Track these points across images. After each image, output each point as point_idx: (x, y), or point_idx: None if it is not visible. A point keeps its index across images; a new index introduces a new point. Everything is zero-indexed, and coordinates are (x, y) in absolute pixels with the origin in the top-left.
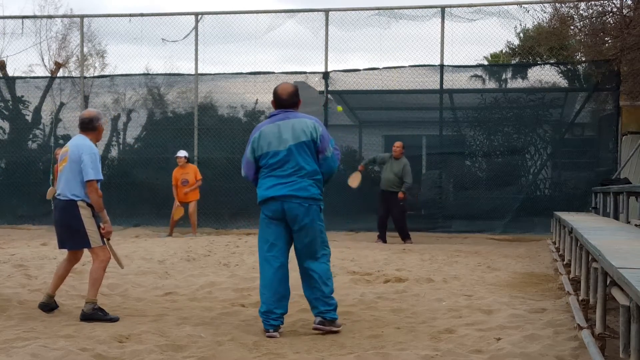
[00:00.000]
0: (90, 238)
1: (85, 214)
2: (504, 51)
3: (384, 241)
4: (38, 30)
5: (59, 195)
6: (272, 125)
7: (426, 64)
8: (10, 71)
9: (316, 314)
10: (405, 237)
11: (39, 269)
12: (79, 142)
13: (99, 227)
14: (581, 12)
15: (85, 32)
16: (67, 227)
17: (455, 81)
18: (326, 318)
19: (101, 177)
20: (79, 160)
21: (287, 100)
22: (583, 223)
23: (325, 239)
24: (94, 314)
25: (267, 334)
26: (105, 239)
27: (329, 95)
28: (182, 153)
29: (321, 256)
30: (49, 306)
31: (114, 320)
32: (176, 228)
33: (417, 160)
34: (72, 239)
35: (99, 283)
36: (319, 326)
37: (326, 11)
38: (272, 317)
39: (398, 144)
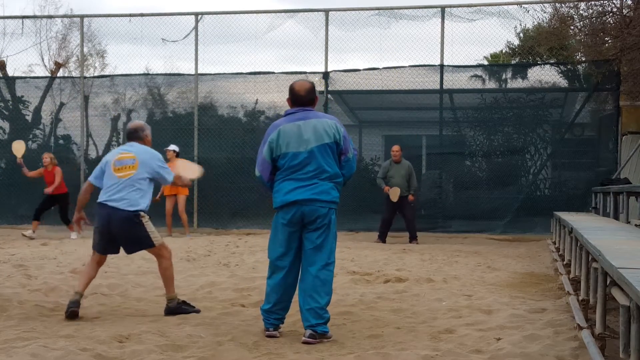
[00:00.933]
0: (154, 239)
1: (145, 220)
2: (504, 51)
3: (382, 241)
4: (38, 30)
5: (115, 203)
6: (292, 124)
7: (426, 64)
8: (10, 71)
9: (307, 327)
10: (414, 238)
11: (39, 269)
12: (145, 149)
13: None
14: (581, 12)
15: (85, 32)
16: (129, 236)
17: (455, 81)
18: (317, 331)
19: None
20: (152, 167)
21: (305, 97)
22: (583, 223)
23: (334, 248)
24: (179, 308)
25: (267, 332)
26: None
27: (329, 96)
28: (171, 147)
29: (329, 264)
30: (77, 304)
31: (197, 311)
32: (177, 228)
33: (417, 160)
34: (135, 244)
35: (173, 278)
36: (309, 339)
37: (326, 11)
38: (274, 316)
39: (396, 147)
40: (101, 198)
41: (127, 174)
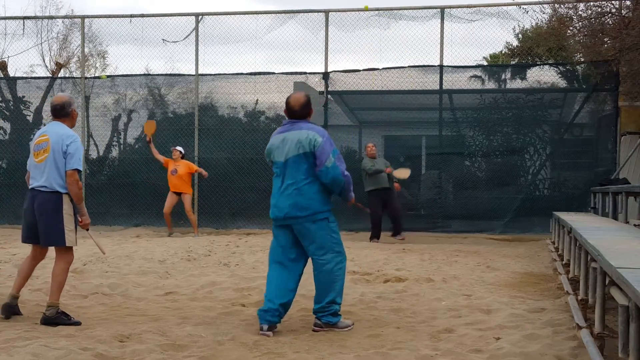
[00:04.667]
0: (67, 237)
1: (67, 209)
2: (503, 52)
3: (378, 239)
4: (39, 31)
5: (40, 187)
6: (279, 135)
7: (425, 64)
8: (12, 71)
9: (313, 313)
10: (398, 232)
11: (40, 269)
12: (61, 130)
13: (76, 226)
14: (580, 12)
15: (86, 32)
16: (46, 221)
17: (455, 82)
18: (321, 320)
19: (81, 167)
20: (63, 150)
21: (298, 111)
22: (582, 223)
23: (333, 240)
24: (58, 318)
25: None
26: (85, 230)
27: (329, 96)
28: (178, 147)
29: (329, 258)
30: (12, 309)
31: (77, 324)
32: (177, 228)
33: (417, 160)
34: (49, 234)
35: (63, 285)
36: (314, 328)
37: (326, 12)
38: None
39: (371, 145)
40: (30, 185)
41: (44, 158)
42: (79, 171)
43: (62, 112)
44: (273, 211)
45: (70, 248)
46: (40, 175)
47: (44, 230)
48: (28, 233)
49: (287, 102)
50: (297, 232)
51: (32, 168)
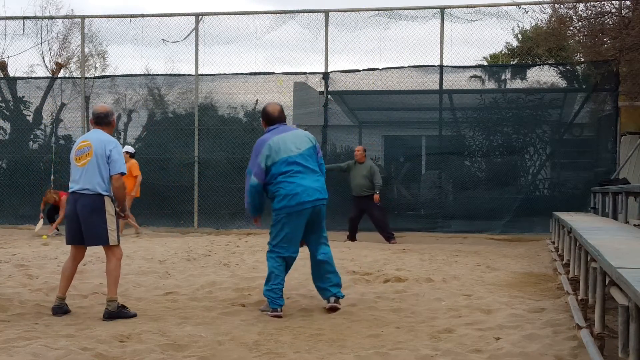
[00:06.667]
0: (110, 236)
1: (109, 210)
2: (503, 52)
3: (352, 241)
4: (39, 31)
5: (82, 190)
6: (275, 137)
7: (426, 64)
8: (12, 71)
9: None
10: (389, 237)
11: (40, 269)
12: (102, 137)
13: (117, 225)
14: (580, 12)
15: (86, 32)
16: (89, 222)
17: (455, 82)
18: (340, 296)
19: (125, 170)
20: (107, 155)
21: (279, 116)
22: (582, 223)
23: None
24: (120, 312)
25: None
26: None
27: (329, 96)
28: (126, 148)
29: (329, 247)
30: (62, 309)
31: (135, 315)
32: (177, 228)
33: (417, 160)
34: (93, 235)
35: (118, 280)
36: (337, 305)
37: (326, 12)
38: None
39: (359, 148)
40: (70, 188)
41: (87, 162)
42: (122, 174)
43: (105, 120)
44: (301, 197)
45: (118, 246)
46: (82, 178)
47: (88, 230)
48: (72, 234)
49: (267, 111)
50: (315, 216)
51: (73, 172)
